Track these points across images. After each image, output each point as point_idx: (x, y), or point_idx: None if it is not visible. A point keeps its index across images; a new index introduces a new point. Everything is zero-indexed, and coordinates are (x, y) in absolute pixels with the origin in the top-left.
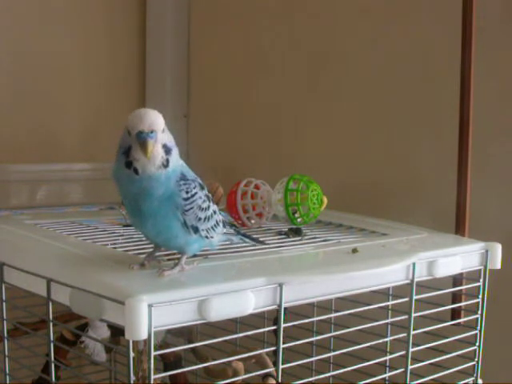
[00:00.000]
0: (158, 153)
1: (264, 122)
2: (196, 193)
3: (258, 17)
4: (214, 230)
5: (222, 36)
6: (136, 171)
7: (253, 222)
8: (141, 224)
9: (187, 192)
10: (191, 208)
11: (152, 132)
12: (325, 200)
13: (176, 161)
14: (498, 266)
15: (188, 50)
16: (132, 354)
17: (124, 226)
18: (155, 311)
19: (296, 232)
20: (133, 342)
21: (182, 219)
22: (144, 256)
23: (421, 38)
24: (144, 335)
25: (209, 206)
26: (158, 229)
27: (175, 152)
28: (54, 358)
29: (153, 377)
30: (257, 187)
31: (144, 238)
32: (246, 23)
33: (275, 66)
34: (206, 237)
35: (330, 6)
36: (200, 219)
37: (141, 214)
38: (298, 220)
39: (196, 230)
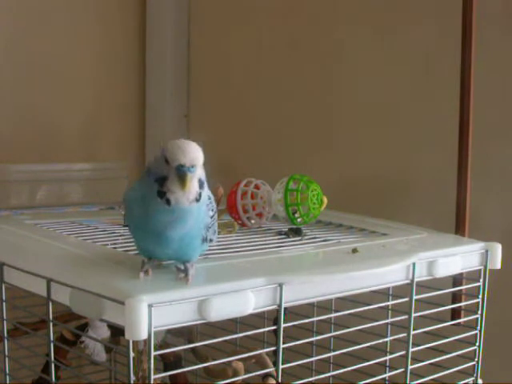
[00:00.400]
0: (194, 188)
1: (264, 122)
2: (216, 208)
3: (258, 16)
4: (214, 234)
5: (222, 36)
6: (168, 202)
7: (253, 222)
8: (160, 246)
9: (212, 210)
10: (213, 224)
11: (193, 167)
12: (325, 200)
13: (206, 192)
14: (498, 265)
15: (188, 49)
16: (132, 354)
17: (124, 225)
18: (155, 311)
19: (296, 232)
20: (133, 342)
21: (205, 235)
22: (145, 263)
23: (421, 37)
24: (144, 335)
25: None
26: (181, 248)
27: (206, 185)
28: (54, 358)
29: (153, 377)
30: (257, 187)
31: None
32: (246, 23)
33: (275, 66)
34: (211, 240)
35: (330, 5)
36: (215, 231)
37: (164, 239)
38: (298, 220)
39: (211, 241)
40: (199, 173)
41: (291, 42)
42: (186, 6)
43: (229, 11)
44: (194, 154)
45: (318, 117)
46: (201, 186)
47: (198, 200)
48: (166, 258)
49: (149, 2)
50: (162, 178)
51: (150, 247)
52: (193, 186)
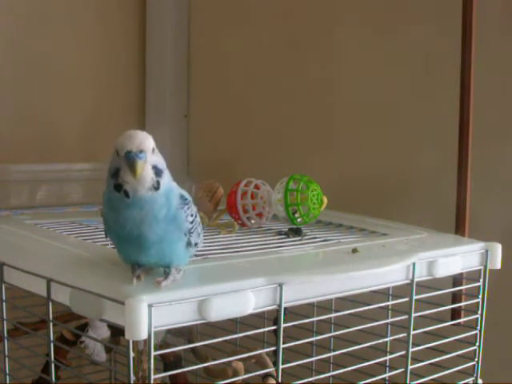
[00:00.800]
0: (147, 174)
1: (264, 122)
2: (196, 212)
3: (258, 16)
4: (199, 236)
5: (222, 36)
6: (126, 194)
7: (253, 222)
8: (140, 251)
9: (192, 215)
10: (196, 228)
11: (141, 152)
12: (325, 200)
13: (168, 183)
14: (498, 265)
15: (188, 49)
16: (132, 354)
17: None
18: (155, 311)
19: (296, 232)
20: (133, 342)
21: (188, 239)
22: (136, 268)
23: (421, 37)
24: (144, 335)
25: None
26: (162, 254)
27: (167, 174)
28: (54, 358)
29: (153, 377)
30: (257, 187)
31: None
32: (246, 23)
33: (275, 66)
34: (196, 244)
35: (330, 5)
36: (199, 234)
37: (141, 242)
38: (298, 220)
39: (196, 245)
40: (152, 159)
41: (291, 41)
42: (185, 6)
43: (229, 11)
44: (140, 139)
45: (318, 117)
46: (157, 173)
47: (156, 188)
48: (152, 264)
49: (149, 2)
50: (115, 171)
51: (130, 253)
52: (146, 172)
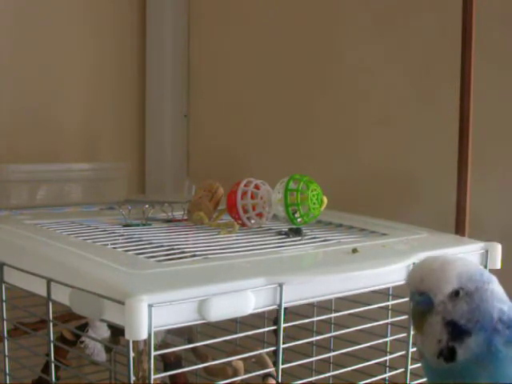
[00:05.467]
0: (431, 330)
1: (264, 122)
2: None
3: (258, 17)
4: None
5: (221, 36)
6: (420, 352)
7: (253, 222)
8: None
9: None
10: None
11: (422, 295)
12: (325, 200)
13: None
14: (498, 265)
15: (188, 49)
16: (132, 354)
17: (124, 225)
18: (155, 311)
19: (296, 232)
20: (133, 341)
21: None
22: None
23: (421, 36)
24: (144, 335)
25: None
26: None
27: (482, 337)
28: (54, 358)
29: (153, 377)
30: (257, 187)
31: (145, 238)
32: (245, 23)
33: (275, 66)
34: None
35: (329, 5)
36: None
37: None
38: (298, 220)
39: None
40: (449, 309)
41: (291, 41)
42: (185, 6)
43: (228, 11)
44: (424, 274)
45: (318, 117)
46: (456, 335)
47: (447, 358)
48: None
49: (149, 2)
50: None
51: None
52: (432, 329)
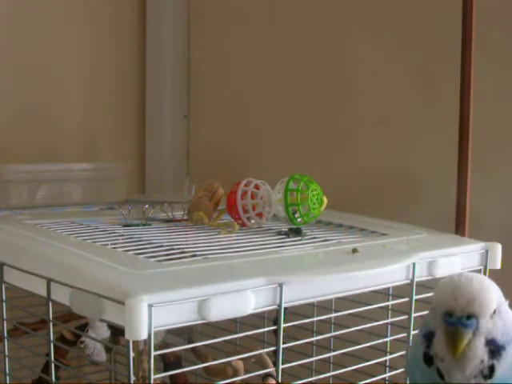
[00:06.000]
0: (475, 353)
1: (264, 122)
2: None
3: (258, 17)
4: None
5: (221, 36)
6: (440, 374)
7: (253, 222)
8: None
9: None
10: None
11: (470, 318)
12: (325, 200)
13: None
14: (498, 265)
15: (188, 49)
16: (132, 354)
17: (124, 225)
18: (155, 311)
19: (296, 232)
20: (133, 341)
21: None
22: None
23: (421, 36)
24: (144, 335)
25: None
26: None
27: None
28: (54, 358)
29: (153, 377)
30: (257, 187)
31: (145, 238)
32: (245, 23)
33: (275, 66)
34: None
35: (328, 5)
36: None
37: None
38: (298, 220)
39: None
40: (490, 330)
41: (290, 41)
42: (185, 7)
43: (228, 11)
44: (472, 296)
45: (318, 116)
46: (493, 352)
47: (487, 376)
48: None
49: (149, 2)
50: (428, 334)
51: None
52: (475, 351)
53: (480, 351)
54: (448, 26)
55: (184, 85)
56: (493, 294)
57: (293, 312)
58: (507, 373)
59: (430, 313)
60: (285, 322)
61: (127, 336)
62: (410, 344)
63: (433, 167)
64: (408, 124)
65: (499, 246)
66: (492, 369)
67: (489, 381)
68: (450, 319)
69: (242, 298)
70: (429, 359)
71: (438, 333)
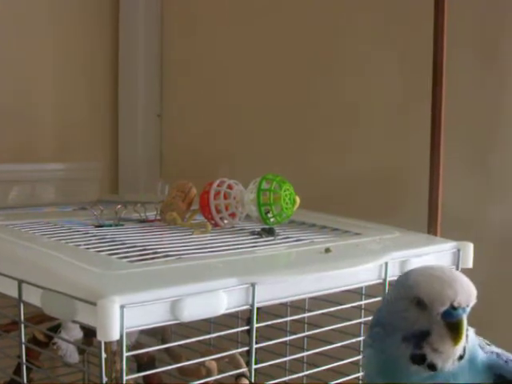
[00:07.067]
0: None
1: (237, 122)
2: None
3: (231, 16)
4: None
5: (194, 35)
6: (433, 367)
7: (226, 222)
8: None
9: None
10: None
11: (468, 306)
12: (297, 200)
13: (471, 345)
14: (470, 265)
15: (161, 49)
16: (104, 355)
17: (96, 226)
18: (127, 312)
19: (269, 232)
20: (105, 342)
21: None
22: None
23: (395, 37)
24: (116, 336)
25: None
26: None
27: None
28: (26, 360)
29: (125, 378)
30: (230, 187)
31: (117, 239)
32: (219, 22)
33: (249, 65)
34: None
35: (304, 6)
36: None
37: None
38: (271, 220)
39: None
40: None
41: (264, 40)
42: (158, 6)
43: (201, 11)
44: (468, 286)
45: (291, 117)
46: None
47: (461, 357)
48: None
49: (122, 2)
50: (416, 335)
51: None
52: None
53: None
54: (421, 29)
55: (157, 84)
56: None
57: (266, 312)
58: (469, 354)
59: (406, 309)
60: (258, 321)
61: (99, 337)
62: None
63: (406, 168)
64: (382, 125)
65: (471, 246)
66: (465, 350)
67: (460, 362)
68: (456, 312)
69: (215, 298)
70: (420, 358)
71: (435, 329)
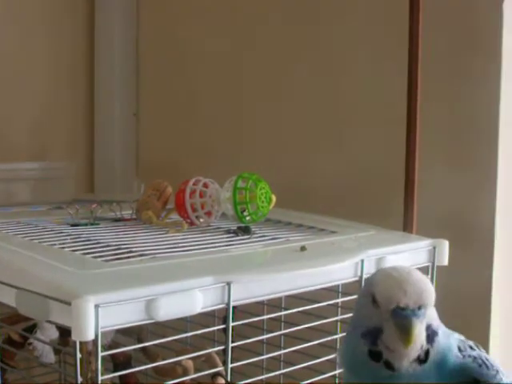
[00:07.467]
0: (420, 338)
1: (213, 121)
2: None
3: (207, 15)
4: None
5: (170, 34)
6: (389, 366)
7: (201, 220)
8: None
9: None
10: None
11: (420, 308)
12: (273, 198)
13: (442, 348)
14: (446, 262)
15: (137, 48)
16: (79, 355)
17: (72, 225)
18: (102, 311)
19: (245, 230)
20: (81, 342)
21: None
22: None
23: (369, 37)
24: (91, 336)
25: None
26: None
27: (442, 337)
28: (2, 361)
29: (100, 378)
30: (205, 186)
31: (92, 238)
32: (195, 23)
33: (223, 65)
34: None
35: (275, 6)
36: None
37: None
38: (247, 218)
39: None
40: (429, 315)
41: (239, 39)
42: (134, 6)
43: (178, 10)
44: (421, 288)
45: (266, 115)
46: (431, 338)
47: (422, 361)
48: None
49: (97, 1)
50: (373, 331)
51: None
52: (418, 336)
53: (423, 337)
54: (395, 32)
55: (133, 83)
56: (431, 286)
57: (243, 310)
58: (437, 358)
59: (365, 304)
60: (235, 320)
61: (74, 337)
62: None
63: (381, 166)
64: (357, 123)
65: (446, 243)
66: (427, 353)
67: (423, 365)
68: (404, 312)
69: (190, 298)
70: (376, 355)
71: (387, 328)
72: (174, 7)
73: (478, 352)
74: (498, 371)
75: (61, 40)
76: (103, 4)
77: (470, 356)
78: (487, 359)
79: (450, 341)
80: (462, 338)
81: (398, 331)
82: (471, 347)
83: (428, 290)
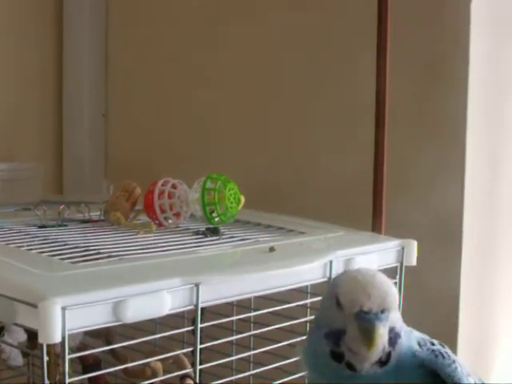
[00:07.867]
0: (383, 341)
1: (182, 122)
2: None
3: (176, 17)
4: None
5: (139, 35)
6: (351, 367)
7: (170, 221)
8: None
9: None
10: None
11: (384, 312)
12: (242, 199)
13: (404, 351)
14: (414, 262)
15: (106, 48)
16: (46, 358)
17: (39, 227)
18: (69, 314)
19: (213, 231)
20: (48, 345)
21: None
22: None
23: (338, 36)
24: (58, 338)
25: None
26: None
27: (404, 339)
28: None
29: (68, 380)
30: (174, 187)
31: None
32: (164, 23)
33: (193, 66)
34: None
35: (247, 5)
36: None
37: None
38: (216, 219)
39: None
40: (392, 319)
41: (207, 40)
42: (103, 7)
43: (146, 11)
44: (384, 292)
45: (236, 116)
46: (393, 341)
47: (383, 363)
48: None
49: (66, 2)
50: (336, 333)
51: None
52: (381, 339)
53: (385, 340)
54: (364, 33)
55: (102, 84)
56: (395, 290)
57: (212, 311)
58: (399, 360)
59: (330, 307)
60: (204, 321)
61: (41, 339)
62: None
63: (350, 167)
64: (327, 124)
65: (415, 243)
66: (389, 356)
67: (384, 367)
68: (367, 316)
69: (158, 299)
70: (338, 356)
71: (350, 330)
72: (143, 9)
73: (438, 347)
74: (454, 361)
75: (29, 41)
76: (72, 4)
77: (428, 349)
78: (446, 352)
79: (411, 340)
80: (426, 336)
81: (361, 334)
82: (432, 343)
83: (392, 293)
